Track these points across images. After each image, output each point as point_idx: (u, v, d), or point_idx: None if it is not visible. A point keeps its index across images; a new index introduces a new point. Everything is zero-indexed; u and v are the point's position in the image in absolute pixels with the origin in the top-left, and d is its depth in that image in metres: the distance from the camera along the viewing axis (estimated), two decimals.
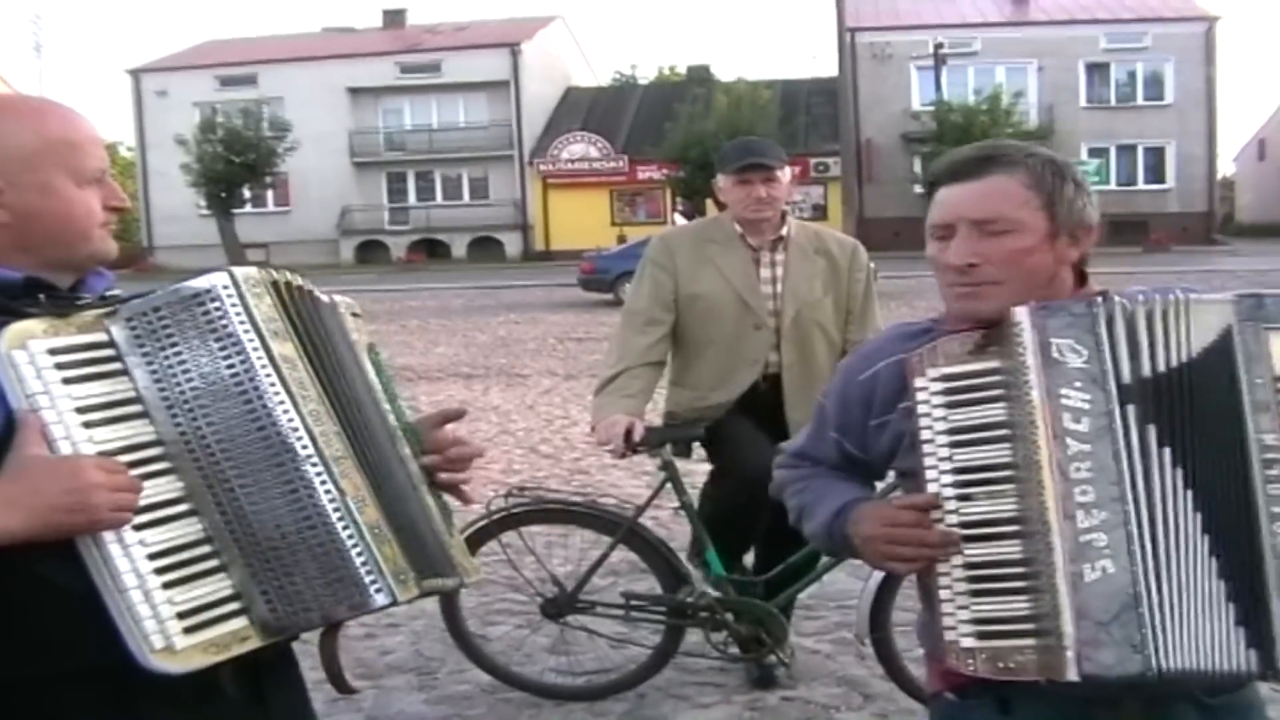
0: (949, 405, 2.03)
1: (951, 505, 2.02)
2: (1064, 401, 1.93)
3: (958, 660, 2.00)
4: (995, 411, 2.00)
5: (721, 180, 4.81)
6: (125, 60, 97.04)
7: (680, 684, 4.90)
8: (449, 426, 2.30)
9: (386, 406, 2.15)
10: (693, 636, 4.81)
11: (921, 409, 2.05)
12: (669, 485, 4.71)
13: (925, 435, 2.05)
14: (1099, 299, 1.98)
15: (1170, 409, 1.93)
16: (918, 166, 48.87)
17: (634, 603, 4.78)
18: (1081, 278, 2.21)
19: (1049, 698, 1.97)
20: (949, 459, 2.03)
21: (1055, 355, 1.94)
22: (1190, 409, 1.92)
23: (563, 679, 4.96)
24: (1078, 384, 1.93)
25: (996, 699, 2.10)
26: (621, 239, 39.78)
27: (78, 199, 1.89)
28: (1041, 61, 49.22)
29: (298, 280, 2.01)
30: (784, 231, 4.80)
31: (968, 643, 1.99)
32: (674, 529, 6.05)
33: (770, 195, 4.69)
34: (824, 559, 4.84)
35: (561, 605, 4.81)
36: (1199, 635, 1.88)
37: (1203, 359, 1.93)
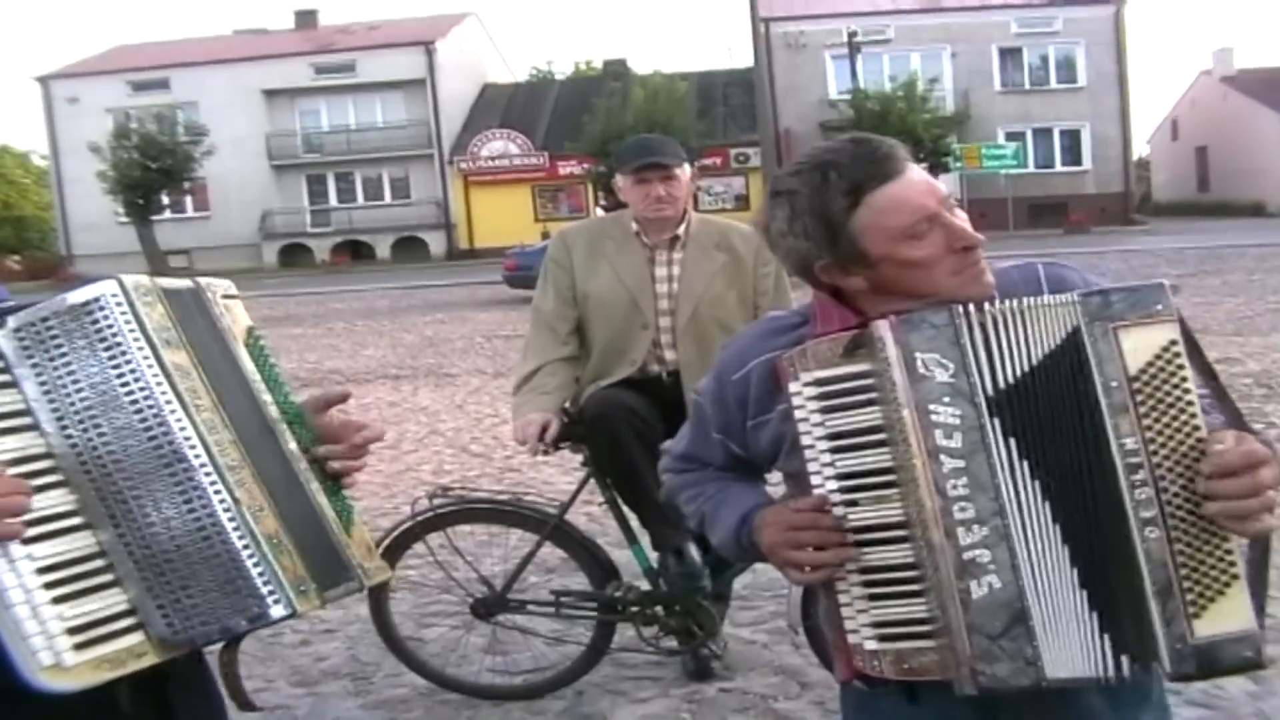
0: (825, 410, 1.99)
1: (839, 511, 1.99)
2: (934, 418, 1.90)
3: (864, 662, 2.00)
4: (870, 416, 1.97)
5: (620, 179, 4.75)
6: (34, 67, 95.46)
7: (618, 679, 4.89)
8: (335, 411, 2.20)
9: (267, 398, 2.05)
10: (628, 631, 4.80)
11: (799, 413, 2.01)
12: (593, 481, 4.71)
13: (806, 440, 2.01)
14: (958, 308, 1.93)
15: (1025, 419, 1.90)
16: None
17: (564, 600, 4.76)
18: None
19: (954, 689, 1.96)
20: (831, 464, 2.00)
21: (921, 371, 1.91)
22: (1041, 417, 1.88)
23: (499, 679, 4.93)
24: (946, 399, 1.90)
25: (904, 689, 2.09)
26: (545, 235, 39.63)
27: None
28: (955, 47, 49.73)
29: (160, 281, 1.95)
30: (681, 230, 4.76)
31: (871, 645, 1.99)
32: (605, 524, 6.04)
33: (669, 194, 4.64)
34: None
35: (492, 605, 4.78)
36: (1072, 644, 1.88)
37: (1050, 364, 1.88)
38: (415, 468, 9.58)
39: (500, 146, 52.95)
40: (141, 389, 1.79)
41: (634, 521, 4.74)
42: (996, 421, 1.89)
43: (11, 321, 1.78)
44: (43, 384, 1.76)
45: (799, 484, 2.11)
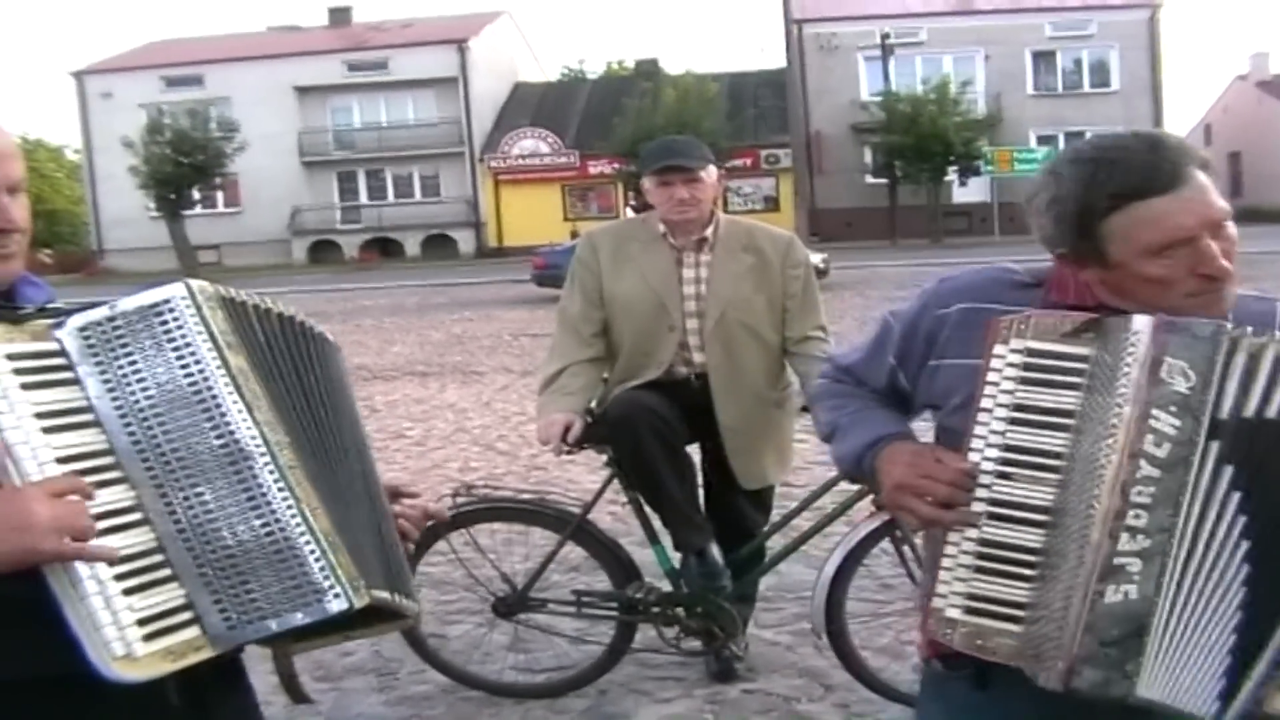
0: (1022, 380, 1.97)
1: (987, 479, 1.98)
2: (1152, 423, 1.86)
3: (936, 627, 2.00)
4: (1067, 399, 1.95)
5: (645, 181, 4.77)
6: (69, 62, 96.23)
7: (641, 679, 4.91)
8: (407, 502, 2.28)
9: (364, 435, 2.15)
10: (652, 631, 4.81)
11: (992, 375, 1.99)
12: (617, 480, 4.73)
13: (985, 404, 1.99)
14: (1227, 326, 1.89)
15: (1260, 455, 1.84)
16: (868, 157, 49.12)
17: (584, 599, 4.78)
18: None
19: (1027, 682, 1.95)
20: (1002, 434, 1.98)
21: (1163, 375, 1.87)
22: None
23: (522, 677, 4.96)
24: (1172, 408, 1.86)
25: (976, 673, 2.11)
26: (574, 234, 39.62)
27: None
28: (988, 50, 49.50)
29: (262, 302, 2.00)
30: (708, 232, 4.76)
31: (953, 614, 1.99)
32: (629, 523, 6.04)
33: (693, 196, 4.64)
34: (771, 551, 4.86)
35: (513, 604, 4.81)
36: (1184, 674, 1.86)
37: None
38: (442, 464, 9.61)
39: (531, 145, 53.01)
40: (209, 387, 1.83)
41: (656, 522, 4.74)
42: (1215, 445, 1.85)
43: (75, 321, 1.81)
44: (106, 382, 1.79)
45: (950, 440, 2.11)
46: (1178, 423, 1.86)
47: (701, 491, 4.83)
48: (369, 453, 2.17)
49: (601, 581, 5.03)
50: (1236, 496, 1.84)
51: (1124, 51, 49.65)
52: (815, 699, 4.69)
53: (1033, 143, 47.98)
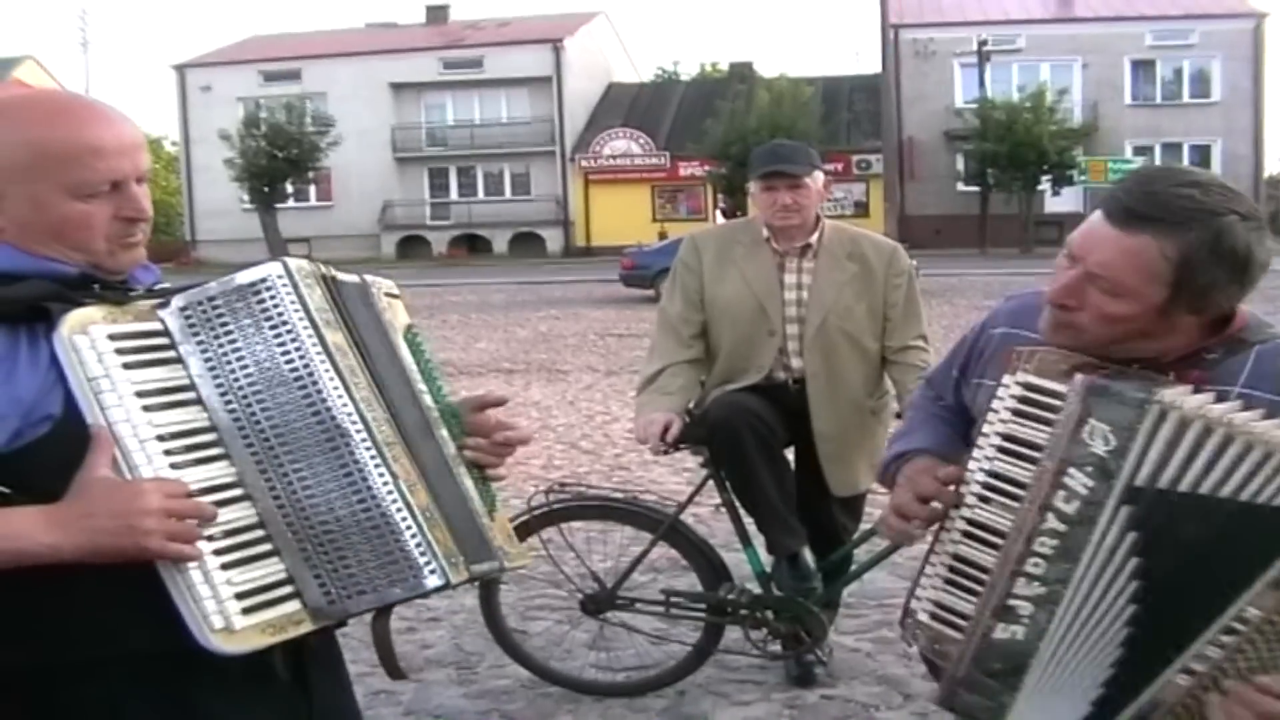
0: (1015, 412, 2.04)
1: (972, 500, 2.08)
2: (1066, 480, 1.94)
3: (907, 630, 2.15)
4: (1041, 435, 2.02)
5: (751, 185, 4.77)
6: (170, 56, 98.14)
7: (720, 681, 4.89)
8: (490, 412, 2.27)
9: (422, 388, 2.15)
10: (732, 633, 4.80)
11: (996, 402, 2.07)
12: (711, 482, 4.72)
13: (986, 428, 2.08)
14: (1162, 394, 1.89)
15: (1162, 525, 1.87)
16: (960, 164, 48.69)
17: (674, 600, 4.77)
18: (1224, 320, 2.07)
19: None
20: (991, 460, 2.06)
21: (1084, 436, 1.93)
22: (1191, 542, 1.85)
23: (602, 675, 4.97)
24: (1088, 469, 1.92)
25: None
26: (663, 235, 39.72)
27: (73, 213, 1.84)
28: (1086, 59, 48.86)
29: (330, 270, 2.03)
30: (813, 238, 4.74)
31: (923, 618, 2.13)
32: (714, 526, 6.04)
33: (796, 202, 4.62)
34: (860, 558, 4.84)
35: (601, 602, 4.81)
36: (1050, 713, 1.97)
37: (1231, 504, 1.81)
38: (525, 461, 9.64)
39: (622, 145, 53.11)
40: (306, 366, 1.86)
41: (749, 524, 4.73)
42: (1125, 510, 1.89)
43: (177, 301, 1.86)
44: (207, 360, 1.84)
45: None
46: (1091, 483, 1.92)
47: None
48: (444, 395, 2.20)
49: (682, 582, 5.03)
50: (1134, 562, 1.89)
51: (1226, 62, 48.75)
52: (894, 707, 4.66)
53: (1128, 153, 47.27)
